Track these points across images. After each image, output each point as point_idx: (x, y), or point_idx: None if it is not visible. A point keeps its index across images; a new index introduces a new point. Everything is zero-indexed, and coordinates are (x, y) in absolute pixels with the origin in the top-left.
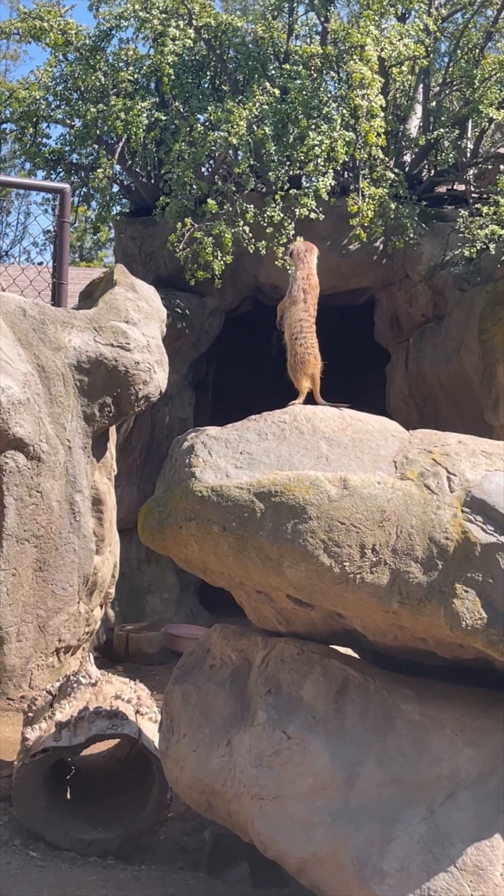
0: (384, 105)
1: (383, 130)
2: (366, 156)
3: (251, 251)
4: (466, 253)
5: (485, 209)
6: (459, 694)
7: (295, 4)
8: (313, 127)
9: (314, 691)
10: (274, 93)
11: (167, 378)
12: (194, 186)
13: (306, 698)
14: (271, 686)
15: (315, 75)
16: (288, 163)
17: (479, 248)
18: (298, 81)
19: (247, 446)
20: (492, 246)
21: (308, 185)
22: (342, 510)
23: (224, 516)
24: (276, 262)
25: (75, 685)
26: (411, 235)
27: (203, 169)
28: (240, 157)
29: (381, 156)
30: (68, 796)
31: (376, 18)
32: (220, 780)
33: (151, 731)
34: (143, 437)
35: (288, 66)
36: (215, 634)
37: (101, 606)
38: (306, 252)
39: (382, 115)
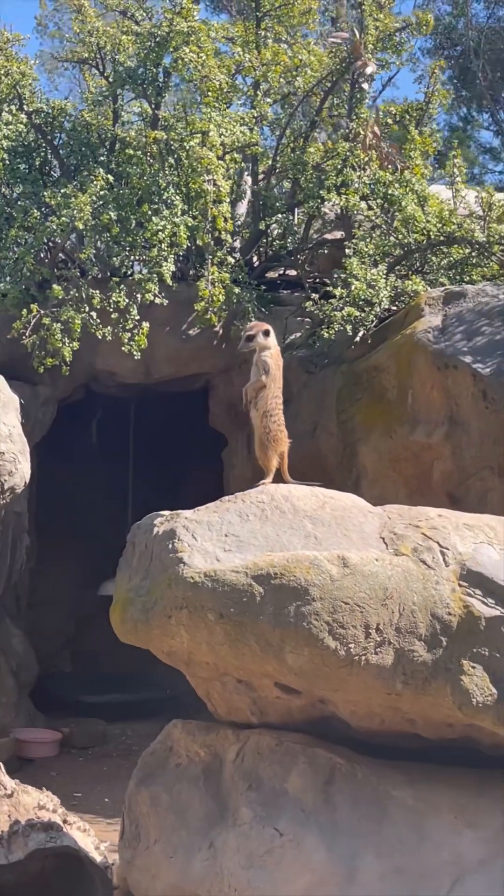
0: (229, 190)
1: (229, 215)
2: (211, 240)
3: (100, 337)
4: (326, 335)
5: (337, 292)
6: (449, 775)
7: (119, 92)
8: (153, 212)
9: (301, 783)
10: (107, 178)
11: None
12: (30, 272)
13: (292, 791)
14: (251, 781)
15: (152, 161)
16: (129, 248)
17: (336, 329)
18: (138, 168)
19: (230, 528)
20: (348, 327)
21: (149, 270)
22: (345, 590)
23: (220, 602)
24: (123, 348)
25: None
26: (252, 320)
27: (42, 254)
28: (84, 243)
29: (229, 240)
30: None
31: (216, 105)
32: (204, 886)
33: (81, 842)
34: None
35: (129, 152)
36: (177, 731)
37: None
38: (269, 332)
39: (228, 200)
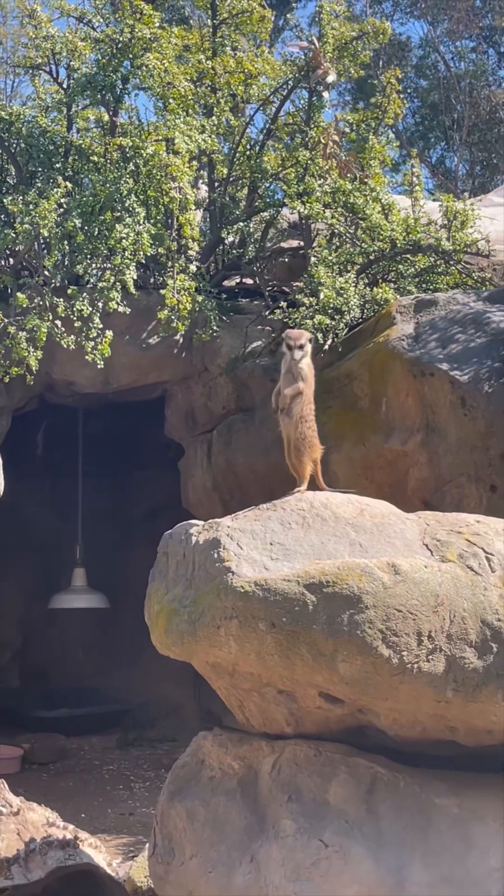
0: (195, 197)
1: (195, 223)
2: (176, 248)
3: (65, 346)
4: None
5: (305, 300)
6: (489, 782)
7: (74, 99)
8: (116, 220)
9: (343, 793)
10: (66, 186)
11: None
12: None
13: (334, 802)
14: (290, 792)
15: (112, 168)
16: (90, 256)
17: (313, 337)
18: (99, 175)
19: (274, 536)
20: (319, 335)
21: (113, 278)
22: (398, 597)
23: (272, 612)
24: (87, 357)
25: None
26: (214, 328)
27: (2, 262)
28: (45, 251)
29: (196, 248)
30: None
31: (181, 113)
32: None
33: (96, 859)
34: None
35: (94, 159)
36: (208, 743)
37: None
38: (307, 339)
39: (194, 208)
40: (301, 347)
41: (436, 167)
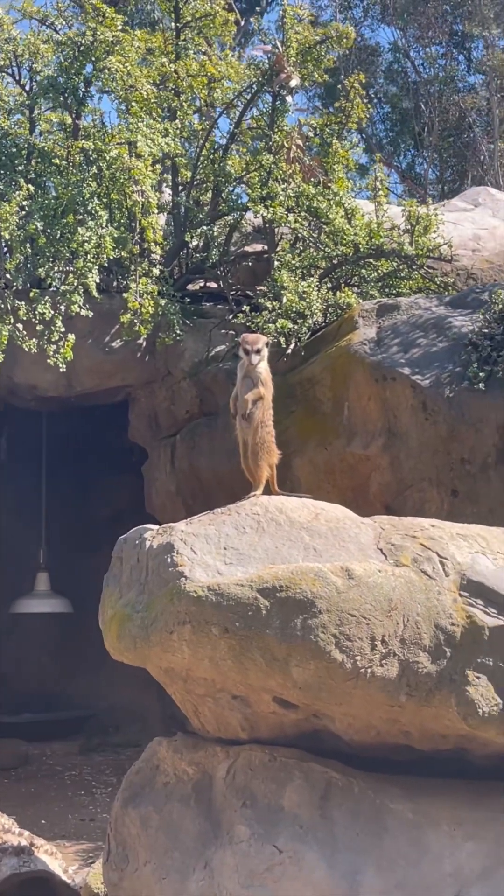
0: (159, 201)
1: (159, 226)
2: (138, 250)
3: (26, 349)
4: None
5: (268, 304)
6: (444, 787)
7: (37, 101)
8: (78, 223)
9: (297, 799)
10: (28, 188)
11: None
12: None
13: (289, 807)
14: (245, 798)
15: (75, 171)
16: (52, 259)
17: (271, 341)
18: (61, 178)
19: (228, 541)
20: (282, 339)
21: (75, 281)
22: (351, 601)
23: (225, 617)
24: (49, 361)
25: None
26: (178, 332)
27: None
28: (7, 254)
29: (158, 252)
30: None
31: (143, 116)
32: None
33: (51, 866)
34: None
35: (56, 162)
36: (162, 749)
37: None
38: (264, 343)
39: (157, 211)
40: (258, 352)
41: (406, 172)
